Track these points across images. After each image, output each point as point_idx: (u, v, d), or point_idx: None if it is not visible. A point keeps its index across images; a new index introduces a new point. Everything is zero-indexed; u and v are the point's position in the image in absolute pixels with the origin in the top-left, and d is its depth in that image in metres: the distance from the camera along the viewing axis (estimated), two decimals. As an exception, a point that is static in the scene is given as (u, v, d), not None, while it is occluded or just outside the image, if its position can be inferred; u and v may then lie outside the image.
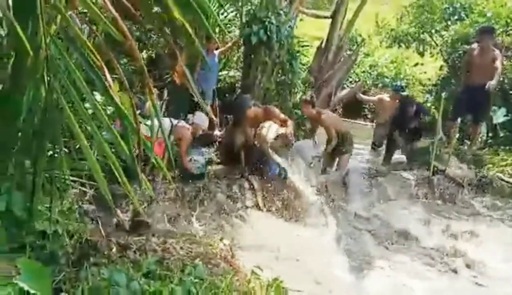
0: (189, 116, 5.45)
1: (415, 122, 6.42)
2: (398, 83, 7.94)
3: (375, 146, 7.70)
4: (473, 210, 5.72)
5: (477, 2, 9.13)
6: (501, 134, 7.29)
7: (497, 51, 6.55)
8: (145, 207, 3.99)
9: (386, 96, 7.80)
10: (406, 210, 5.45)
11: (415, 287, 3.77)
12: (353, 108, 12.35)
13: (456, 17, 9.25)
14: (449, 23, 9.34)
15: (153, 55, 7.69)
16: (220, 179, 5.18)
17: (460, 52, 8.19)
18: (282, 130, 5.16)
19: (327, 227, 4.95)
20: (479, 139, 7.41)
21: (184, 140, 5.15)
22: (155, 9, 2.19)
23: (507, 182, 6.22)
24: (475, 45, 6.85)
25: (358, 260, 4.18)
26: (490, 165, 6.53)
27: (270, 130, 5.16)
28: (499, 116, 7.19)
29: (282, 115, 5.37)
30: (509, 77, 7.72)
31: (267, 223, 4.80)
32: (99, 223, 3.42)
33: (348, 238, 4.70)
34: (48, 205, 2.74)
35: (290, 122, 5.36)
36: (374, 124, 8.86)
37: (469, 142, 7.17)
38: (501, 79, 7.33)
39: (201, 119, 5.41)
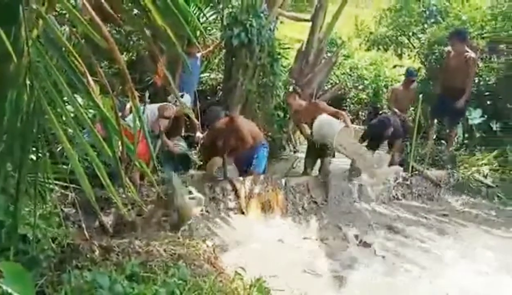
0: (169, 98, 5.42)
1: (390, 131, 6.48)
2: (413, 70, 7.85)
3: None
4: (449, 208, 5.88)
5: (452, 6, 9.34)
6: (477, 135, 7.47)
7: (471, 54, 6.70)
8: (128, 210, 3.98)
9: (398, 85, 7.85)
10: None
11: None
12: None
13: (432, 20, 9.45)
14: (425, 26, 9.53)
15: (134, 58, 7.65)
16: (203, 181, 5.19)
17: (437, 54, 8.36)
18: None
19: (308, 227, 5.01)
20: (455, 140, 7.58)
21: (165, 118, 5.16)
22: (135, 11, 2.21)
23: (482, 182, 6.41)
24: (450, 49, 7.01)
25: (339, 260, 4.23)
26: (466, 165, 6.69)
27: None
28: (475, 117, 7.37)
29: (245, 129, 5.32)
30: (485, 79, 7.93)
31: (249, 224, 4.83)
32: (81, 226, 3.40)
33: (331, 237, 4.75)
34: (29, 209, 2.74)
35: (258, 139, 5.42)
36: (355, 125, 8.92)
37: (445, 143, 7.31)
38: (477, 81, 7.53)
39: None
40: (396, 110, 7.19)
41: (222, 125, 5.33)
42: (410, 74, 7.43)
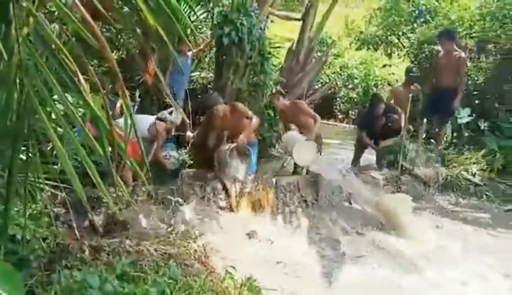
0: (163, 112, 5.39)
1: (383, 121, 6.52)
2: (414, 69, 7.87)
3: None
4: (437, 206, 5.96)
5: (441, 5, 9.43)
6: (466, 134, 7.55)
7: (461, 54, 6.77)
8: (119, 209, 3.96)
9: (398, 85, 7.86)
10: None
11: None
12: (324, 109, 12.55)
13: (422, 20, 9.55)
14: (415, 25, 9.62)
15: (124, 56, 7.62)
16: (194, 181, 5.18)
17: (427, 53, 8.44)
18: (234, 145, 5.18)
19: (299, 227, 5.03)
20: (444, 139, 7.65)
21: (160, 137, 5.13)
22: (125, 9, 2.19)
23: (470, 180, 6.49)
24: (440, 48, 7.08)
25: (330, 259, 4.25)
26: (455, 164, 6.76)
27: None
28: (463, 116, 7.44)
29: (250, 113, 5.38)
30: (473, 78, 8.01)
31: (240, 224, 4.83)
32: (72, 226, 3.38)
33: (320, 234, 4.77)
34: (18, 209, 2.71)
35: (254, 121, 5.36)
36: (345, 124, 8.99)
37: (434, 142, 7.38)
38: (465, 80, 7.61)
39: (174, 115, 5.37)
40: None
41: (226, 111, 5.35)
42: (411, 72, 7.39)
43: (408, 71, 7.45)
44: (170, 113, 5.26)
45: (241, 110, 5.37)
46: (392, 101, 7.17)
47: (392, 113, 6.57)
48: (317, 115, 5.84)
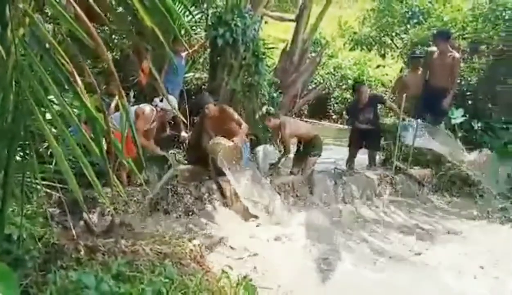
0: (155, 99, 5.30)
1: (370, 111, 6.54)
2: (417, 52, 7.78)
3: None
4: (432, 205, 6.02)
5: (434, 7, 9.49)
6: (459, 135, 7.60)
7: (455, 54, 6.83)
8: (115, 209, 3.96)
9: (403, 74, 7.86)
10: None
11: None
12: (318, 109, 12.61)
13: (415, 21, 9.61)
14: (408, 26, 9.68)
15: (118, 57, 7.60)
16: (188, 181, 5.18)
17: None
18: (230, 143, 5.15)
19: (294, 226, 5.04)
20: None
21: (142, 119, 4.97)
22: (120, 9, 2.20)
23: (464, 180, 6.53)
24: (434, 48, 7.13)
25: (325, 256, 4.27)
26: (449, 164, 6.80)
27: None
28: (457, 116, 7.49)
29: (237, 117, 5.40)
30: (466, 79, 8.08)
31: (235, 223, 4.85)
32: (66, 226, 3.37)
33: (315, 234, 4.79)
34: (12, 209, 2.71)
35: (243, 127, 5.36)
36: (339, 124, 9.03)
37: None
38: (459, 81, 7.67)
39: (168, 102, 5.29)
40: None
41: (215, 112, 5.37)
42: (413, 55, 7.43)
43: (410, 55, 7.50)
44: (161, 100, 5.17)
45: (229, 113, 5.41)
46: (399, 90, 7.31)
47: (380, 103, 6.65)
48: (289, 145, 5.99)
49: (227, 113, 5.39)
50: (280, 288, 3.43)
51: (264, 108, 6.26)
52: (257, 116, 6.44)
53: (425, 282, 3.79)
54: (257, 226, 4.85)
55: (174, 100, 5.37)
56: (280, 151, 6.37)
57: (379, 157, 7.00)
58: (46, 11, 3.33)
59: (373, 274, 3.92)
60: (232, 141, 5.13)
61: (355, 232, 4.91)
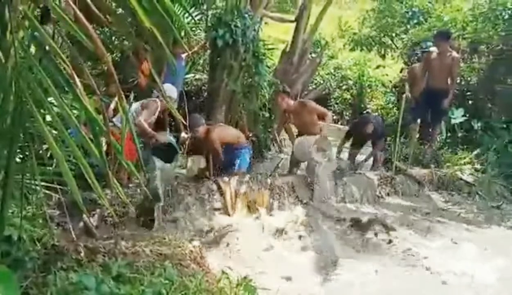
0: (155, 91, 5.33)
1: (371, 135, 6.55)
2: (428, 43, 7.84)
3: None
4: (433, 205, 5.99)
5: (434, 7, 9.50)
6: (459, 134, 7.61)
7: (455, 55, 6.84)
8: (115, 210, 3.96)
9: (415, 65, 7.84)
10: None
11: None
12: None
13: (415, 21, 9.62)
14: (408, 27, 9.68)
15: (117, 58, 7.60)
16: (189, 182, 5.18)
17: (419, 54, 8.49)
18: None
19: (293, 225, 5.03)
20: (438, 139, 7.70)
21: (147, 110, 5.12)
22: (119, 11, 2.20)
23: (464, 180, 6.53)
24: (433, 49, 7.13)
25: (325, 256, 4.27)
26: (449, 164, 6.81)
27: None
28: (457, 116, 7.50)
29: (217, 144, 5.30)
30: (466, 79, 8.08)
31: (234, 223, 4.84)
32: (68, 227, 3.37)
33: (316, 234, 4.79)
34: (12, 210, 2.71)
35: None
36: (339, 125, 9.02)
37: (428, 142, 7.42)
38: (459, 81, 7.67)
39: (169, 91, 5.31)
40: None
41: (201, 134, 5.34)
42: (423, 48, 7.52)
43: (425, 46, 7.62)
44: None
45: (214, 136, 5.29)
46: (413, 81, 7.40)
47: (378, 126, 6.58)
48: (326, 112, 5.90)
49: (213, 134, 5.33)
50: (280, 288, 3.43)
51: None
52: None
53: (424, 282, 3.79)
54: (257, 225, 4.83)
55: (174, 90, 5.42)
56: (280, 151, 6.35)
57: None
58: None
59: (373, 274, 3.92)
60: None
61: (355, 232, 4.90)
